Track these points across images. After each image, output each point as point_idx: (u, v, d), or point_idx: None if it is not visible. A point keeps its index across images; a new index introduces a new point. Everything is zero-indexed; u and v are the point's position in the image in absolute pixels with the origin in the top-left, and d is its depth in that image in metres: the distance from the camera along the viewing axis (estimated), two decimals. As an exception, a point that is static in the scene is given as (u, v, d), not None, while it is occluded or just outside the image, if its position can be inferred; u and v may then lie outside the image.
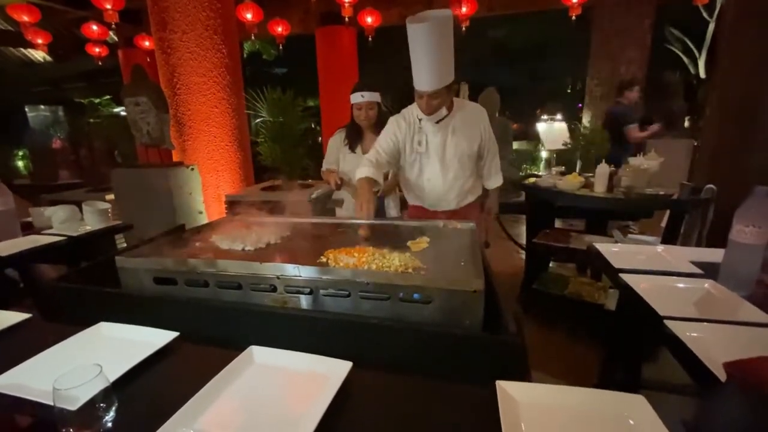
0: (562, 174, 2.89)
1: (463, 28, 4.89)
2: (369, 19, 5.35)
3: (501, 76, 10.76)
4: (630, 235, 2.67)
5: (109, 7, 4.50)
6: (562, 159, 6.33)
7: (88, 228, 2.05)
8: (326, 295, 1.00)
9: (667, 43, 8.30)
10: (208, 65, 3.24)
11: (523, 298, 2.88)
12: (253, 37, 6.45)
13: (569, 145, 3.43)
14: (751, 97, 2.21)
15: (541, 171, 7.88)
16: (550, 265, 3.11)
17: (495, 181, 2.02)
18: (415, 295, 0.94)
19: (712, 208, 2.21)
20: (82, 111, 10.44)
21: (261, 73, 10.10)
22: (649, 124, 3.81)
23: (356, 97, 2.09)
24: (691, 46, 8.03)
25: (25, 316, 1.02)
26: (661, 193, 2.38)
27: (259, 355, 0.82)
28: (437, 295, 0.92)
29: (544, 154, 8.14)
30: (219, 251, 1.23)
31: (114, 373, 0.73)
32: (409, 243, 1.23)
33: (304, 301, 1.02)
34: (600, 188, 2.51)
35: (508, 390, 0.68)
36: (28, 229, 2.17)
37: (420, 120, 1.78)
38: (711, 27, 7.41)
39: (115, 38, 6.95)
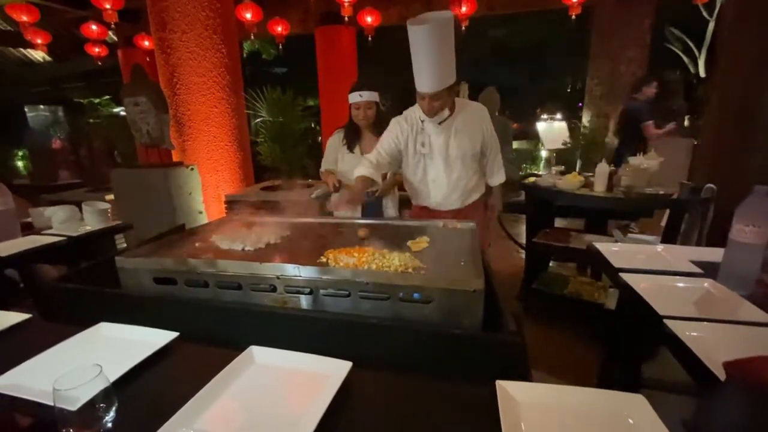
0: (562, 173, 2.89)
1: (463, 28, 4.89)
2: (369, 19, 5.36)
3: (501, 76, 10.74)
4: (630, 235, 2.66)
5: (108, 6, 4.49)
6: (562, 158, 6.32)
7: (88, 228, 2.05)
8: (326, 295, 1.00)
9: (666, 42, 8.29)
10: (208, 65, 3.24)
11: (523, 298, 2.88)
12: (252, 37, 6.45)
13: (569, 145, 3.43)
14: (751, 96, 2.21)
15: (541, 170, 7.87)
16: (550, 264, 3.11)
17: (498, 178, 2.02)
18: (415, 295, 0.94)
19: (712, 208, 2.21)
20: (82, 111, 10.42)
21: (261, 73, 10.07)
22: (664, 120, 3.78)
23: (354, 97, 2.07)
24: (691, 45, 8.01)
25: (25, 316, 1.02)
26: (661, 192, 2.38)
27: (259, 355, 0.82)
28: (437, 294, 0.92)
29: (544, 154, 8.12)
30: (219, 251, 1.23)
31: (114, 373, 0.73)
32: (409, 243, 1.23)
33: (304, 301, 1.02)
34: (600, 188, 2.51)
35: (508, 390, 0.68)
36: (28, 229, 2.17)
37: (422, 121, 1.78)
38: (711, 26, 7.39)
39: (115, 38, 6.94)
